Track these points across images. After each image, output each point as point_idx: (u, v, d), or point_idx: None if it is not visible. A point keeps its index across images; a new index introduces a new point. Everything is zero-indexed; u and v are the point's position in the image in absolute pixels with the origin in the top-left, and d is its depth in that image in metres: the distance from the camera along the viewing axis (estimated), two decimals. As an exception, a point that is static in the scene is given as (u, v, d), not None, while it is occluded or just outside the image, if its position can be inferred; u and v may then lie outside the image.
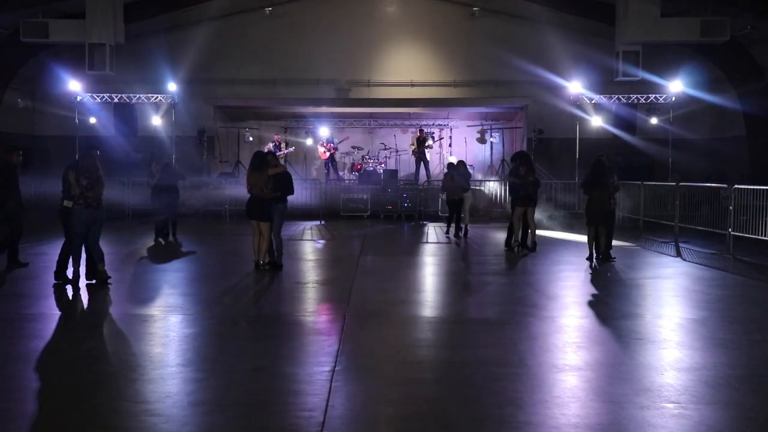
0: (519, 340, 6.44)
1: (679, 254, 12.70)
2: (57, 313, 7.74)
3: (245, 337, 6.75)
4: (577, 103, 20.96)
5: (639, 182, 16.76)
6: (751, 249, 12.28)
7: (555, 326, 7.07)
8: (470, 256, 13.04)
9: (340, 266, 11.28)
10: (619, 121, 22.00)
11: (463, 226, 15.22)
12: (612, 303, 8.35)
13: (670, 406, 4.67)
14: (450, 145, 23.00)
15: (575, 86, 20.54)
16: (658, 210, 16.31)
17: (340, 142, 22.29)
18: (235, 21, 22.83)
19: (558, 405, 4.69)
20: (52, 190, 9.53)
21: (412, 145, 21.64)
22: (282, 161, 16.77)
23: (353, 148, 22.55)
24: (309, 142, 23.03)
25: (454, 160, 18.16)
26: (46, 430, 4.36)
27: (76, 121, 20.65)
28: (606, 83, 20.89)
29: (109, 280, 9.03)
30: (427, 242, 14.74)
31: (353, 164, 22.42)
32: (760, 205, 12.14)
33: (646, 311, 7.92)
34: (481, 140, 22.31)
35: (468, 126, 23.25)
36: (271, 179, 10.15)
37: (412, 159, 21.93)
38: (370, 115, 23.66)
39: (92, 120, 21.39)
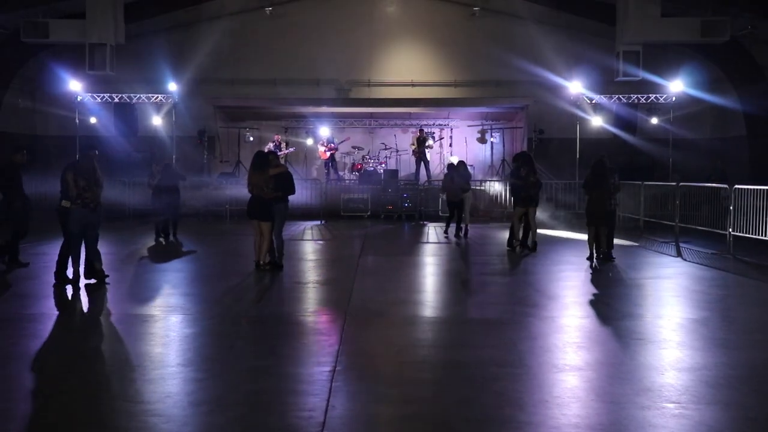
0: (519, 340, 6.44)
1: (679, 254, 12.70)
2: (57, 313, 7.75)
3: (246, 337, 6.75)
4: (578, 103, 20.95)
5: (639, 182, 16.76)
6: (752, 249, 12.28)
7: (555, 326, 7.07)
8: (470, 256, 13.04)
9: (341, 266, 11.28)
10: (620, 121, 21.98)
11: (463, 226, 15.20)
12: (612, 303, 8.35)
13: (671, 406, 4.67)
14: (450, 145, 22.99)
15: (576, 86, 20.53)
16: (658, 210, 16.31)
17: (341, 142, 22.28)
18: (235, 21, 22.80)
19: (558, 405, 4.69)
20: (52, 190, 9.53)
21: (413, 145, 21.63)
22: (282, 161, 16.75)
23: (353, 148, 22.55)
24: (309, 142, 23.01)
25: (455, 160, 18.16)
26: (47, 430, 4.36)
27: (77, 121, 20.65)
28: (606, 83, 20.86)
29: (106, 279, 9.05)
30: (427, 242, 14.74)
31: (353, 164, 22.41)
32: (761, 205, 12.13)
33: (647, 311, 7.92)
34: (482, 140, 22.30)
35: (468, 126, 23.23)
36: (272, 179, 10.15)
37: (413, 159, 21.92)
38: (371, 115, 23.65)
39: (93, 120, 21.37)
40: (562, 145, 21.71)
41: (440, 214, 18.71)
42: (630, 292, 9.17)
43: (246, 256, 11.14)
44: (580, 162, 20.12)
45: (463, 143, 22.76)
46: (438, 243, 14.41)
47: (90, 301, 8.29)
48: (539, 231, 13.53)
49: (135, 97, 21.03)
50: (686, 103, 20.93)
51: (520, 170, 12.90)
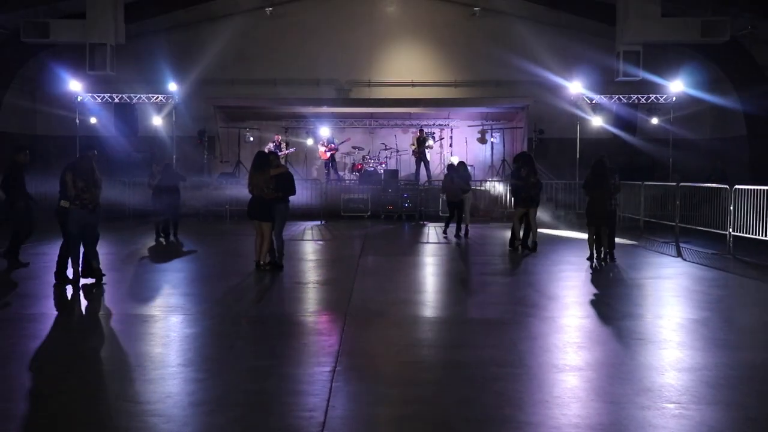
0: (519, 340, 6.44)
1: (679, 254, 12.70)
2: (57, 314, 7.75)
3: (246, 337, 6.75)
4: (578, 104, 20.95)
5: (639, 182, 16.76)
6: (752, 249, 12.28)
7: (555, 326, 7.07)
8: (471, 256, 13.04)
9: (341, 266, 11.28)
10: (620, 122, 21.98)
11: (463, 226, 15.20)
12: (613, 303, 8.34)
13: (671, 406, 4.67)
14: (450, 145, 22.97)
15: (576, 86, 20.52)
16: (658, 210, 16.31)
17: (341, 143, 22.28)
18: (235, 21, 22.80)
19: (558, 405, 4.69)
20: (52, 191, 9.54)
21: (413, 145, 21.62)
22: (283, 161, 16.74)
23: (354, 148, 22.54)
24: (309, 142, 23.01)
25: (455, 160, 18.16)
26: (46, 430, 4.36)
27: (77, 121, 20.65)
28: (606, 83, 20.86)
29: (103, 279, 9.06)
30: (427, 242, 14.74)
31: (354, 164, 22.41)
32: (761, 206, 12.13)
33: (647, 311, 7.92)
34: (482, 140, 22.28)
35: (469, 126, 23.22)
36: (272, 180, 10.15)
37: (413, 159, 21.91)
38: (371, 115, 23.64)
39: (93, 120, 21.38)
40: (562, 145, 21.70)
41: (440, 214, 18.70)
42: (630, 292, 9.17)
43: (246, 256, 11.14)
44: (580, 162, 20.11)
45: (463, 143, 22.75)
46: (438, 243, 14.41)
47: (90, 302, 8.30)
48: (539, 231, 13.52)
49: (135, 97, 21.03)
50: (686, 103, 20.93)
51: (520, 171, 12.90)
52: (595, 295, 8.99)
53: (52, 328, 7.03)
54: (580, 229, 15.99)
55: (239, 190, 16.95)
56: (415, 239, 15.48)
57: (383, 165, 22.03)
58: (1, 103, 20.34)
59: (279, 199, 10.25)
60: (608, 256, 11.36)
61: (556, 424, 4.37)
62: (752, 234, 12.33)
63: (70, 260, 9.08)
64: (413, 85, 23.13)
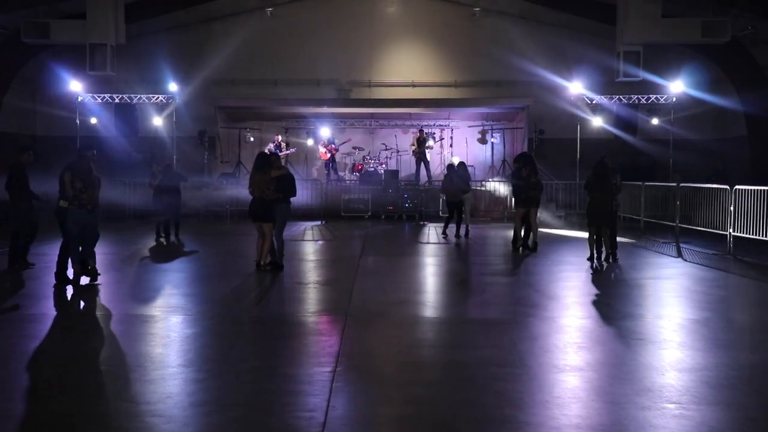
0: (519, 341, 6.44)
1: (680, 255, 12.69)
2: (57, 314, 7.75)
3: (246, 337, 6.75)
4: (578, 104, 20.94)
5: (640, 183, 16.75)
6: (752, 249, 12.28)
7: (556, 326, 7.06)
8: (471, 256, 13.04)
9: (341, 267, 11.28)
10: (620, 122, 21.98)
11: (464, 226, 15.18)
12: (613, 303, 8.34)
13: (672, 406, 4.67)
14: (451, 146, 22.97)
15: (576, 87, 20.53)
16: (659, 210, 16.31)
17: (342, 143, 22.28)
18: (236, 21, 22.83)
19: (559, 405, 4.69)
20: (52, 191, 9.54)
21: (413, 145, 21.63)
22: (283, 162, 16.76)
23: (354, 148, 22.53)
24: (310, 142, 23.01)
25: (456, 161, 18.14)
26: (47, 430, 4.35)
27: (77, 121, 20.65)
28: (607, 84, 20.86)
29: (98, 278, 9.07)
30: (428, 243, 14.74)
31: (354, 165, 22.42)
32: (761, 206, 12.13)
33: (647, 312, 7.92)
34: (482, 141, 22.30)
35: (469, 126, 23.22)
36: (273, 181, 10.15)
37: (413, 159, 21.91)
38: (371, 116, 23.64)
39: (93, 120, 21.39)
40: (563, 146, 21.69)
41: (441, 214, 18.71)
42: (630, 292, 9.17)
43: (246, 256, 11.14)
44: (580, 162, 20.11)
45: (463, 144, 22.75)
46: (438, 243, 14.41)
47: (90, 302, 8.29)
48: (544, 230, 13.51)
49: (135, 97, 21.04)
50: (687, 103, 20.93)
51: (521, 171, 12.90)
52: (595, 295, 8.99)
53: (53, 328, 7.03)
54: (580, 229, 16.00)
55: (239, 190, 16.96)
56: (416, 239, 15.48)
57: (383, 165, 22.02)
58: (1, 104, 20.34)
59: (280, 200, 10.26)
60: (610, 257, 11.36)
61: (556, 424, 4.37)
62: (752, 234, 12.33)
63: (70, 260, 9.08)
64: (414, 85, 23.15)
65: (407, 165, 22.64)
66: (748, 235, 12.43)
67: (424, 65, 23.30)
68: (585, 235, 11.81)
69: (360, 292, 8.77)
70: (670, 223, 15.13)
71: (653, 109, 21.48)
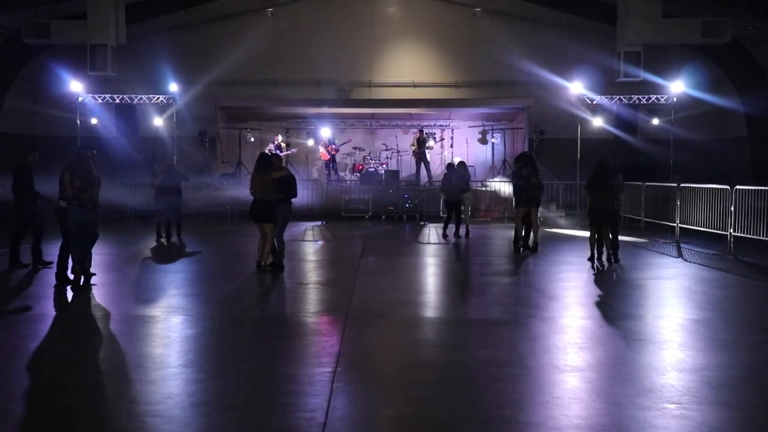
0: (520, 341, 6.44)
1: (680, 255, 12.69)
2: (58, 314, 7.75)
3: (247, 338, 6.75)
4: (579, 104, 20.94)
5: (640, 183, 16.75)
6: (753, 249, 12.27)
7: (556, 327, 7.06)
8: (471, 256, 13.04)
9: (342, 267, 11.28)
10: (621, 122, 21.96)
11: (464, 226, 15.17)
12: (613, 303, 8.34)
13: (672, 407, 4.67)
14: (451, 146, 22.97)
15: (577, 87, 20.52)
16: (659, 210, 16.30)
17: (342, 144, 22.29)
18: (236, 22, 22.84)
19: (559, 406, 4.69)
20: (52, 191, 9.56)
21: (413, 145, 21.64)
22: (284, 162, 16.76)
23: (354, 148, 22.54)
24: (310, 143, 23.02)
25: (457, 161, 18.14)
26: (47, 430, 4.36)
27: (78, 122, 20.66)
28: (607, 84, 20.85)
29: (92, 279, 9.08)
30: (428, 243, 14.73)
31: (354, 165, 22.42)
32: (762, 206, 12.12)
33: (648, 312, 7.92)
34: (483, 141, 22.30)
35: (469, 127, 23.23)
36: (274, 182, 10.15)
37: (413, 160, 21.92)
38: (372, 116, 23.65)
39: (94, 121, 21.39)
40: (563, 146, 21.68)
41: (441, 215, 18.70)
42: (631, 292, 9.16)
43: (247, 257, 11.14)
44: (581, 163, 20.11)
45: (464, 144, 22.76)
46: (439, 244, 14.40)
47: (91, 302, 8.29)
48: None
49: (136, 97, 21.04)
50: (687, 103, 20.91)
51: (522, 171, 12.90)
52: (596, 295, 8.98)
53: (53, 328, 7.03)
54: (581, 229, 16.01)
55: (240, 190, 16.95)
56: (416, 240, 15.47)
57: (384, 166, 22.03)
58: (1, 104, 20.35)
59: (280, 201, 10.26)
60: (612, 257, 11.35)
61: (556, 424, 4.37)
62: (753, 234, 12.33)
63: (70, 260, 9.09)
64: (414, 85, 23.15)
65: (408, 165, 22.65)
66: (748, 235, 12.43)
67: (425, 65, 23.31)
68: (585, 234, 11.81)
69: (360, 293, 8.77)
70: (671, 224, 15.12)
71: (653, 110, 21.47)
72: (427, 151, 21.76)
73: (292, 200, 10.64)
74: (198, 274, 10.72)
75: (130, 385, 5.14)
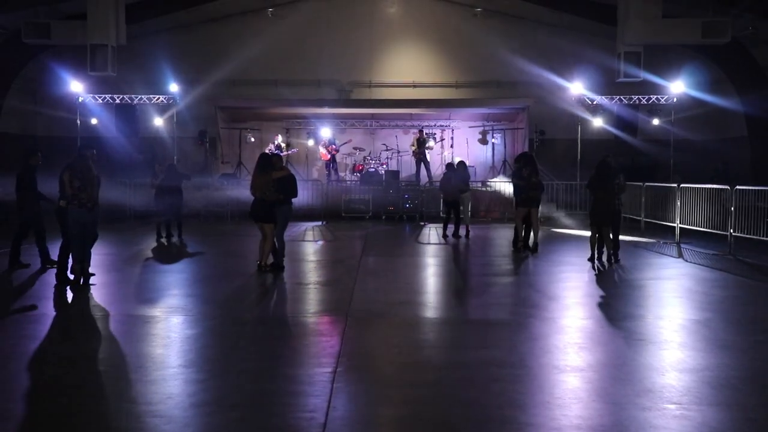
0: (520, 341, 6.44)
1: (680, 255, 12.69)
2: (58, 314, 7.75)
3: (247, 338, 6.75)
4: (579, 104, 20.94)
5: (641, 183, 16.76)
6: (753, 250, 12.27)
7: (556, 327, 7.06)
8: (471, 257, 13.04)
9: (342, 267, 11.27)
10: (621, 122, 21.98)
11: (464, 226, 15.16)
12: (614, 304, 8.34)
13: (672, 407, 4.66)
14: (452, 146, 22.97)
15: (577, 87, 20.54)
16: (659, 211, 16.31)
17: (343, 144, 22.29)
18: (236, 22, 22.86)
19: (559, 406, 4.69)
20: (53, 191, 9.56)
21: (413, 146, 21.64)
22: (284, 162, 16.76)
23: (355, 149, 22.55)
24: (310, 143, 23.03)
25: (457, 161, 18.14)
26: (47, 430, 4.36)
27: (78, 122, 20.67)
28: (607, 84, 20.86)
29: (92, 279, 9.09)
30: (428, 243, 14.72)
31: (355, 165, 22.43)
32: (762, 206, 12.12)
33: (648, 312, 7.91)
34: (483, 141, 22.30)
35: (470, 127, 23.23)
36: (274, 181, 10.15)
37: (413, 160, 21.92)
38: (372, 116, 23.65)
39: (94, 121, 21.41)
40: (563, 146, 21.71)
41: (441, 215, 18.66)
42: (631, 292, 9.16)
43: (247, 257, 11.14)
44: (581, 163, 20.12)
45: (464, 144, 22.76)
46: (439, 244, 14.40)
47: (91, 302, 8.29)
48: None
49: (136, 98, 21.05)
50: (687, 104, 20.93)
51: (522, 171, 12.90)
52: (596, 295, 8.98)
53: (53, 328, 7.03)
54: (581, 229, 16.01)
55: (240, 191, 16.95)
56: (416, 240, 15.47)
57: (384, 166, 22.03)
58: (2, 105, 20.35)
59: (281, 201, 10.26)
60: (612, 257, 11.35)
61: (557, 425, 4.37)
62: (753, 234, 12.32)
63: (70, 260, 9.09)
64: (414, 86, 23.17)
65: (408, 165, 22.65)
66: (748, 235, 12.43)
67: (425, 66, 23.32)
68: (585, 233, 11.81)
69: (360, 293, 8.77)
70: (671, 224, 15.12)
71: (654, 110, 21.48)
72: (427, 151, 21.76)
73: (293, 200, 10.64)
74: (198, 275, 10.72)
75: (130, 385, 5.14)
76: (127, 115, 22.32)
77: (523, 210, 12.83)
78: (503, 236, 15.29)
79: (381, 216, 19.62)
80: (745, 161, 19.88)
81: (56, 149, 21.06)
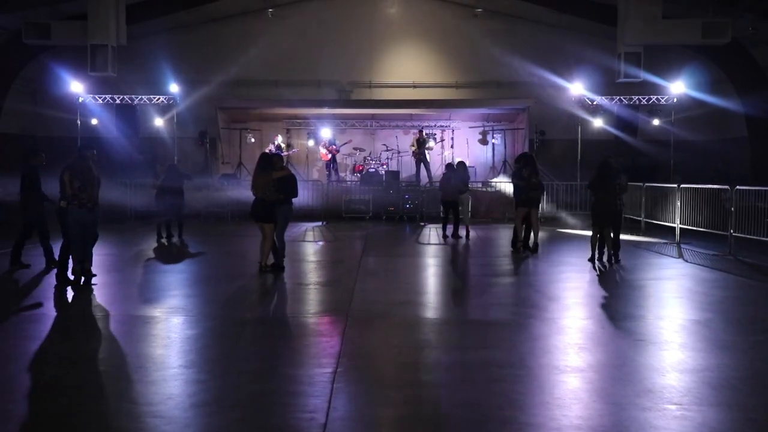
0: (520, 342, 6.44)
1: (680, 255, 12.69)
2: (58, 314, 7.75)
3: (247, 338, 6.75)
4: (579, 105, 20.94)
5: (641, 183, 16.76)
6: (753, 250, 12.27)
7: (556, 327, 7.06)
8: (471, 257, 13.04)
9: (342, 267, 11.28)
10: (621, 123, 21.96)
11: (464, 227, 15.15)
12: (614, 304, 8.34)
13: (672, 407, 4.67)
14: (452, 147, 22.99)
15: (577, 87, 20.54)
16: (659, 211, 16.31)
17: (343, 144, 22.29)
18: (237, 22, 22.86)
19: (560, 406, 4.69)
20: (54, 191, 9.57)
21: (412, 146, 21.65)
22: (285, 162, 16.77)
23: (355, 149, 22.56)
24: (311, 143, 23.04)
25: (457, 161, 18.14)
26: (47, 430, 4.36)
27: (78, 122, 20.67)
28: (608, 84, 20.86)
29: (93, 280, 9.09)
30: (428, 243, 14.73)
31: (355, 165, 22.43)
32: (762, 206, 12.12)
33: (648, 312, 7.91)
34: (483, 141, 22.31)
35: (470, 127, 23.24)
36: (274, 181, 10.15)
37: (413, 160, 21.93)
38: (372, 117, 23.67)
39: (94, 121, 21.41)
40: (564, 147, 21.71)
41: (441, 215, 18.67)
42: (631, 293, 9.16)
43: (247, 257, 11.15)
44: (581, 163, 20.12)
45: (464, 144, 22.77)
46: (439, 244, 14.40)
47: (91, 303, 8.29)
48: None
49: (136, 98, 21.05)
50: (687, 104, 20.92)
51: (522, 171, 12.90)
52: (596, 296, 8.98)
53: (53, 328, 7.03)
54: (581, 229, 16.00)
55: (240, 191, 16.96)
56: (416, 240, 15.47)
57: (384, 166, 22.04)
58: (2, 105, 20.35)
59: (281, 201, 10.26)
60: (612, 258, 11.36)
61: (557, 425, 4.37)
62: (753, 235, 12.33)
63: (71, 261, 9.09)
64: (414, 86, 23.16)
65: (408, 166, 22.66)
66: (749, 236, 12.43)
67: (425, 66, 23.32)
68: (586, 233, 11.81)
69: (361, 293, 8.77)
70: (671, 224, 15.12)
71: (654, 110, 21.47)
72: (427, 151, 21.76)
73: (293, 200, 10.64)
74: (198, 275, 10.72)
75: (130, 385, 5.14)
76: (128, 115, 22.29)
77: (523, 210, 12.83)
78: (503, 236, 15.29)
79: (381, 216, 19.62)
80: (746, 161, 19.88)
81: (56, 149, 21.05)
